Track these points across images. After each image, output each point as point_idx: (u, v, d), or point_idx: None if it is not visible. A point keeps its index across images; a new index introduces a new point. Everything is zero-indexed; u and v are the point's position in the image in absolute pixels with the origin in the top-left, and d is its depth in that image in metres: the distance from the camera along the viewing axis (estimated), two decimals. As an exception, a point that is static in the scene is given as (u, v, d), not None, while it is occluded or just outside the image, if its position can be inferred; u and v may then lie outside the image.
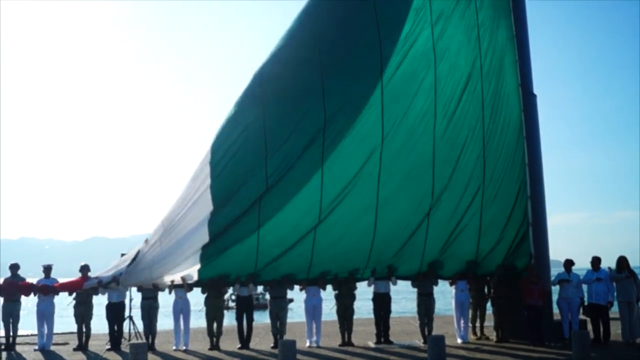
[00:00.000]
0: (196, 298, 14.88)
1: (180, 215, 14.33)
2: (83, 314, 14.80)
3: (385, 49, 14.69)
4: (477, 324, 15.44)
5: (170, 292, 14.89)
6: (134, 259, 14.46)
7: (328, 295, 15.35)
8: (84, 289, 14.74)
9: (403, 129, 14.95)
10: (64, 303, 15.22)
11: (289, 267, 15.00)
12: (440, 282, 15.51)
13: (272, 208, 14.44)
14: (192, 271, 14.58)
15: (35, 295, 14.97)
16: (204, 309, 14.86)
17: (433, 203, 15.24)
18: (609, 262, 14.76)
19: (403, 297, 42.81)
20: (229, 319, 15.69)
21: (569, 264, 14.99)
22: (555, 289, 15.07)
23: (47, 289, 14.89)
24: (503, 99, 15.44)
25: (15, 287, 14.82)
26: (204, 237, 14.22)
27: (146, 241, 14.59)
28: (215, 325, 14.72)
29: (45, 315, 14.87)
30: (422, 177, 15.19)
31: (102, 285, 14.56)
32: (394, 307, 15.81)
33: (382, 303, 15.05)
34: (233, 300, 15.75)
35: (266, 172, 14.25)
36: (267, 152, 14.24)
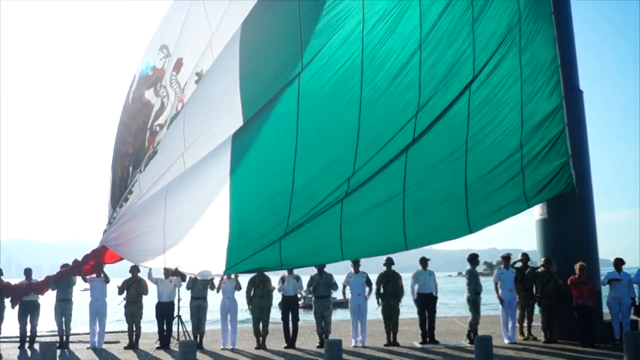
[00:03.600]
0: (243, 298, 15.09)
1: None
2: (133, 313, 15.22)
3: None
4: (525, 324, 15.24)
5: (218, 292, 15.14)
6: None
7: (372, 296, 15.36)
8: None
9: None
10: (116, 303, 15.66)
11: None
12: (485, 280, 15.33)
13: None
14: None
15: (85, 280, 15.41)
16: (250, 309, 15.08)
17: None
18: (660, 261, 14.44)
19: (452, 298, 42.30)
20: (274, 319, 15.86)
21: (619, 262, 14.61)
22: (605, 289, 14.75)
23: (93, 266, 15.30)
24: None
25: (66, 270, 15.27)
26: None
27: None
28: (261, 325, 14.92)
29: (97, 314, 15.37)
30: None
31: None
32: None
33: (426, 303, 14.98)
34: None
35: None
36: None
